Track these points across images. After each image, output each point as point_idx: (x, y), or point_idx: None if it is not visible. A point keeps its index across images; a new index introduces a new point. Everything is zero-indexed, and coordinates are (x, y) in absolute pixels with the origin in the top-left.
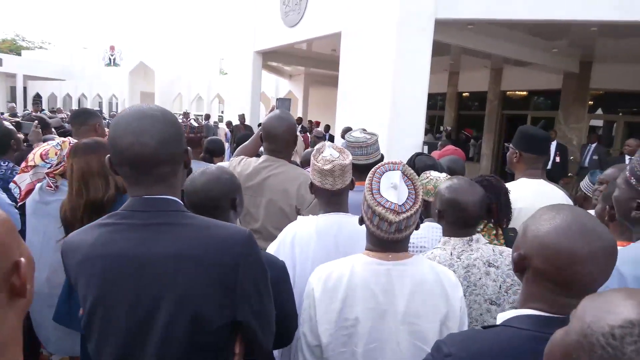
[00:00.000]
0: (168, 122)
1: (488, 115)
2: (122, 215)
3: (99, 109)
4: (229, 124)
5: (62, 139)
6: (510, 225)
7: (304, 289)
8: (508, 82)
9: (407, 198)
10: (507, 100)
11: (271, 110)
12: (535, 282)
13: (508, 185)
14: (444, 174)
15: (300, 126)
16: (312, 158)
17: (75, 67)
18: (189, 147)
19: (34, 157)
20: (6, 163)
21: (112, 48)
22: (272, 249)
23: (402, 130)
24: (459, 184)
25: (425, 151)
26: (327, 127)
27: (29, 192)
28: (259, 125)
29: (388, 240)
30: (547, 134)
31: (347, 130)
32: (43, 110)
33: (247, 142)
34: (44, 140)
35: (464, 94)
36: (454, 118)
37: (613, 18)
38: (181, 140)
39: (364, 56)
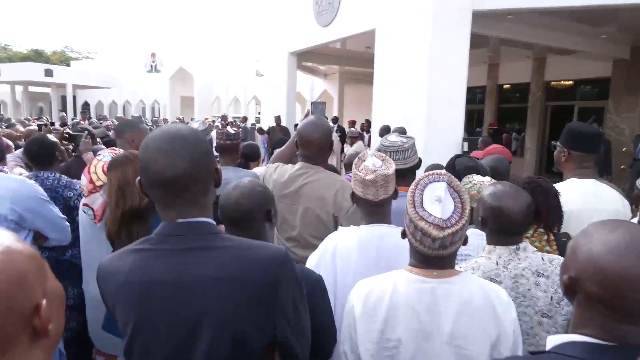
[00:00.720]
0: (197, 141)
1: (531, 108)
2: (156, 241)
3: (141, 115)
4: (260, 130)
5: (113, 149)
6: (562, 230)
7: (345, 302)
8: (552, 72)
9: (453, 212)
10: (551, 90)
11: (306, 115)
12: (587, 307)
13: (557, 186)
14: (487, 178)
15: (336, 126)
16: (353, 167)
17: (119, 75)
18: (220, 155)
19: (97, 176)
20: (53, 174)
21: (153, 55)
22: (312, 260)
23: (440, 127)
24: (503, 190)
25: (465, 148)
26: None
27: (104, 210)
28: (295, 126)
29: (432, 256)
30: (597, 130)
31: (385, 129)
32: (91, 118)
33: (283, 147)
34: (93, 151)
35: (504, 86)
36: (495, 112)
37: None
38: (211, 159)
39: (399, 52)
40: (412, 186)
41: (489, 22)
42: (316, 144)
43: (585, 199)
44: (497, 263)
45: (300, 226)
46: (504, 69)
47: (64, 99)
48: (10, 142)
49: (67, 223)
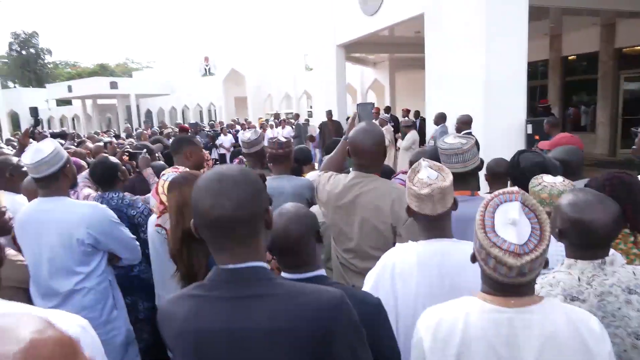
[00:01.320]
0: (246, 182)
1: (602, 79)
2: (210, 287)
3: (197, 120)
4: (311, 137)
5: (176, 168)
6: None
7: (408, 325)
8: (624, 38)
9: (530, 235)
10: (624, 58)
11: (352, 119)
12: None
13: None
14: (560, 178)
15: (389, 115)
16: (407, 180)
17: (176, 81)
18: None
19: (166, 197)
20: (117, 194)
21: (206, 59)
22: (369, 282)
23: (500, 110)
24: (585, 200)
25: (530, 130)
26: (417, 113)
27: None
28: (347, 119)
29: (509, 284)
30: None
31: (441, 116)
32: (153, 127)
33: (333, 153)
34: (153, 167)
35: (569, 58)
36: (560, 86)
37: None
38: (260, 200)
39: (450, 35)
40: (481, 208)
41: None
42: (369, 153)
43: None
44: (579, 279)
45: (358, 237)
46: (568, 39)
47: (128, 108)
48: (82, 162)
49: (137, 242)
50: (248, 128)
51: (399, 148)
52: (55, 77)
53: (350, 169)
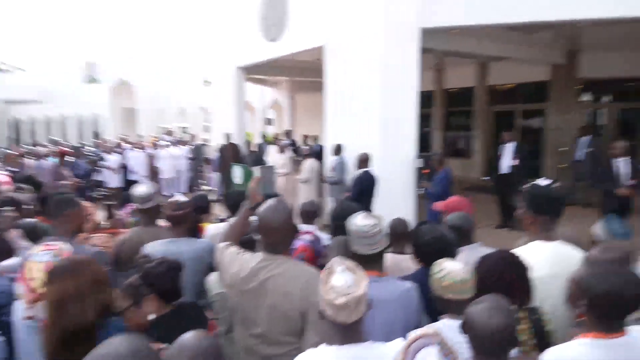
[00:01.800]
0: None
1: (477, 110)
2: None
3: (79, 132)
4: (206, 160)
5: (48, 246)
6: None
7: None
8: (495, 77)
9: None
10: (495, 94)
11: (255, 183)
12: None
13: (521, 250)
14: (459, 264)
15: (290, 140)
16: (320, 284)
17: (53, 87)
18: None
19: (39, 282)
20: None
21: (89, 64)
22: None
23: (393, 143)
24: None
25: (420, 164)
26: (315, 138)
27: None
28: (247, 142)
29: None
30: (560, 194)
31: (338, 148)
32: (21, 146)
33: (236, 221)
34: (21, 226)
35: (451, 90)
36: (442, 115)
37: (595, 16)
38: None
39: (349, 68)
40: (402, 349)
41: (435, 37)
42: (278, 232)
43: (553, 264)
44: None
45: (266, 323)
46: (450, 74)
47: None
48: None
49: (3, 337)
50: (137, 147)
51: (297, 177)
52: None
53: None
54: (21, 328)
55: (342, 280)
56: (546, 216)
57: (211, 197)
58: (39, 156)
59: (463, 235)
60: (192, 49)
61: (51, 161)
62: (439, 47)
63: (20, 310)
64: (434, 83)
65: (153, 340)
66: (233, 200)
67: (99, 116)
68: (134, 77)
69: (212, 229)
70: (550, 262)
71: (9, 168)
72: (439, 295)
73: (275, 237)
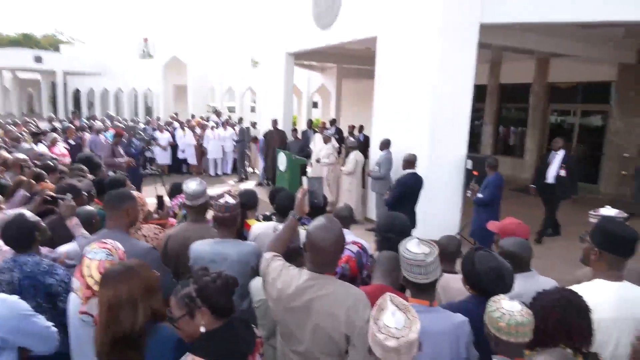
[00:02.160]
0: None
1: (533, 108)
2: None
3: (133, 106)
4: (254, 139)
5: (104, 243)
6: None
7: None
8: (555, 74)
9: None
10: (554, 92)
11: (303, 195)
12: None
13: (583, 288)
14: (518, 306)
15: (334, 128)
16: (371, 321)
17: (111, 61)
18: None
19: (93, 279)
20: (32, 257)
21: (145, 40)
22: None
23: (443, 142)
24: None
25: (469, 166)
26: (361, 128)
27: None
28: (293, 130)
29: None
30: (634, 233)
31: (386, 143)
32: (81, 119)
33: (282, 231)
34: (79, 215)
35: (506, 85)
36: (495, 110)
37: None
38: None
39: (402, 61)
40: None
41: (493, 32)
42: (327, 252)
43: (618, 307)
44: None
45: (309, 342)
46: (506, 68)
47: (54, 86)
48: None
49: (54, 329)
50: (188, 127)
51: (341, 168)
52: None
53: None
54: (75, 319)
55: (394, 321)
56: (615, 255)
57: (254, 180)
58: (96, 131)
59: (519, 263)
60: (242, 30)
61: (107, 136)
62: (497, 43)
63: (74, 303)
64: (488, 77)
65: (201, 354)
66: (281, 203)
67: (152, 92)
68: (186, 54)
69: (257, 228)
70: (614, 304)
71: (69, 141)
72: (492, 334)
73: (323, 257)
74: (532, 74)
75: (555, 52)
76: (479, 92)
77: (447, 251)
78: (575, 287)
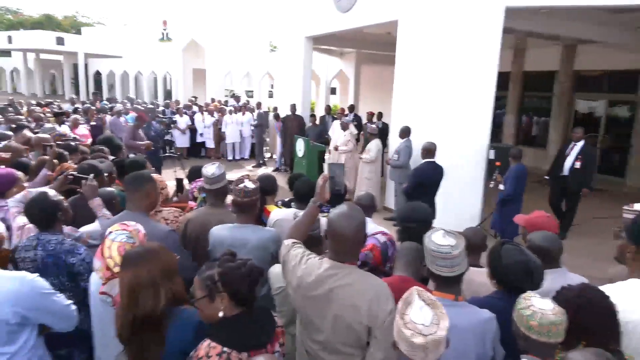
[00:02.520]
0: None
1: (557, 97)
2: None
3: (152, 89)
4: (276, 116)
5: (125, 225)
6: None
7: None
8: (582, 61)
9: None
10: (581, 80)
11: (324, 181)
12: None
13: (616, 288)
14: (550, 304)
15: (352, 114)
16: (397, 317)
17: (131, 44)
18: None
19: (114, 261)
20: (56, 237)
21: (164, 23)
22: None
23: (465, 131)
24: None
25: (492, 156)
26: (380, 115)
27: None
28: (311, 115)
29: None
30: None
31: (406, 130)
32: (102, 100)
33: (302, 218)
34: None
35: (530, 73)
36: (518, 99)
37: None
38: None
39: (424, 47)
40: None
41: (519, 16)
42: (349, 240)
43: None
44: None
45: (329, 332)
46: (530, 55)
47: (75, 67)
48: (17, 174)
49: (73, 307)
50: (206, 111)
51: (360, 156)
52: None
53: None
54: (96, 299)
55: (422, 316)
56: None
57: (271, 166)
58: (117, 113)
59: (548, 258)
60: (260, 14)
61: (127, 119)
62: (522, 28)
63: (96, 282)
64: (511, 64)
65: (218, 340)
66: (300, 190)
67: (171, 75)
68: (204, 38)
69: (276, 214)
70: None
71: (91, 123)
72: (522, 333)
73: (345, 245)
74: (557, 61)
75: (583, 38)
76: (501, 80)
77: (472, 244)
78: (608, 287)
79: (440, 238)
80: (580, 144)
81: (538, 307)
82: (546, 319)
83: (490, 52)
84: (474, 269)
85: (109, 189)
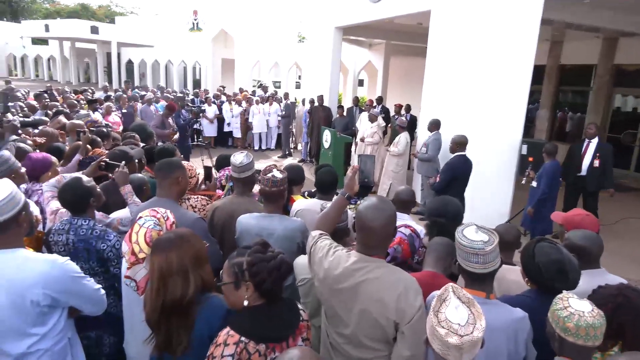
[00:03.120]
0: None
1: (595, 92)
2: None
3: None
4: (312, 101)
5: (155, 212)
6: None
7: None
8: (623, 55)
9: None
10: (620, 75)
11: (354, 173)
12: None
13: None
14: (588, 306)
15: (380, 106)
16: (431, 314)
17: (162, 33)
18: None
19: (139, 247)
20: (87, 222)
21: (195, 12)
22: None
23: (497, 125)
24: None
25: (524, 151)
26: (408, 107)
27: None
28: (339, 107)
29: None
30: None
31: (435, 124)
32: (134, 88)
33: (330, 209)
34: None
35: (566, 67)
36: (553, 93)
37: None
38: None
39: (457, 38)
40: None
41: (560, 6)
42: (378, 233)
43: None
44: None
45: (355, 326)
46: (567, 48)
47: (109, 55)
48: (52, 159)
49: (103, 292)
50: (234, 101)
51: (388, 149)
52: (32, 12)
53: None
54: (124, 284)
55: (458, 316)
56: None
57: (297, 157)
58: (147, 102)
59: (587, 258)
60: (290, 4)
61: (157, 107)
62: (561, 19)
63: (126, 267)
64: (547, 56)
65: (238, 330)
66: (321, 179)
67: (200, 64)
68: (233, 28)
69: (299, 204)
70: None
71: (123, 110)
72: (557, 335)
73: (373, 238)
74: (596, 55)
75: (626, 30)
76: (536, 73)
77: (504, 240)
78: None
79: (472, 233)
80: (595, 141)
81: (576, 308)
82: (584, 321)
83: (527, 44)
84: (507, 266)
85: (139, 175)
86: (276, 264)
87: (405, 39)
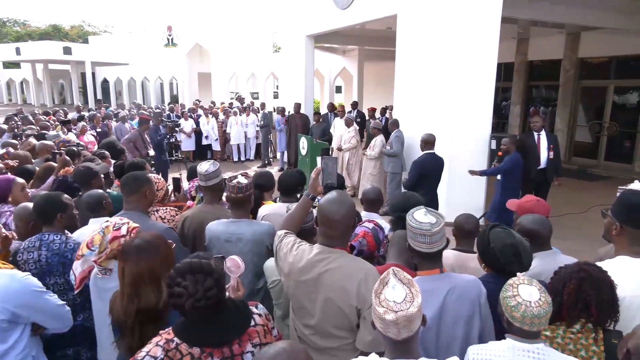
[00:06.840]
0: None
1: (563, 86)
2: None
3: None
4: (281, 111)
5: (106, 223)
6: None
7: None
8: (587, 49)
9: None
10: (585, 68)
11: (317, 174)
12: None
13: (605, 265)
14: (536, 295)
15: (355, 111)
16: (373, 295)
17: (137, 51)
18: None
19: (81, 246)
20: (59, 236)
21: (169, 28)
22: None
23: (466, 121)
24: None
25: (493, 146)
26: (383, 110)
27: (82, 279)
28: (315, 114)
29: None
30: None
31: (395, 123)
32: (108, 107)
33: (294, 210)
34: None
35: (534, 63)
36: (523, 90)
37: None
38: None
39: (423, 40)
40: None
41: (520, 5)
42: (338, 224)
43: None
44: None
45: (320, 316)
46: (534, 45)
47: (83, 75)
48: (19, 181)
49: (67, 308)
50: (211, 114)
51: (364, 152)
52: (2, 36)
53: (315, 244)
54: (95, 295)
55: (395, 294)
56: (638, 229)
57: (277, 165)
58: (122, 119)
59: (538, 240)
60: (263, 15)
61: (132, 124)
62: (523, 16)
63: (94, 278)
64: (515, 54)
65: (176, 330)
66: (283, 182)
67: (177, 79)
68: (208, 41)
69: (265, 209)
70: (637, 281)
71: (97, 129)
72: (506, 318)
73: (334, 230)
74: (561, 50)
75: (586, 25)
76: (506, 71)
77: (464, 229)
78: (599, 264)
79: (421, 216)
80: (543, 133)
81: (523, 297)
82: (530, 312)
83: (490, 42)
84: (468, 254)
85: (99, 190)
86: (200, 307)
87: (377, 44)
